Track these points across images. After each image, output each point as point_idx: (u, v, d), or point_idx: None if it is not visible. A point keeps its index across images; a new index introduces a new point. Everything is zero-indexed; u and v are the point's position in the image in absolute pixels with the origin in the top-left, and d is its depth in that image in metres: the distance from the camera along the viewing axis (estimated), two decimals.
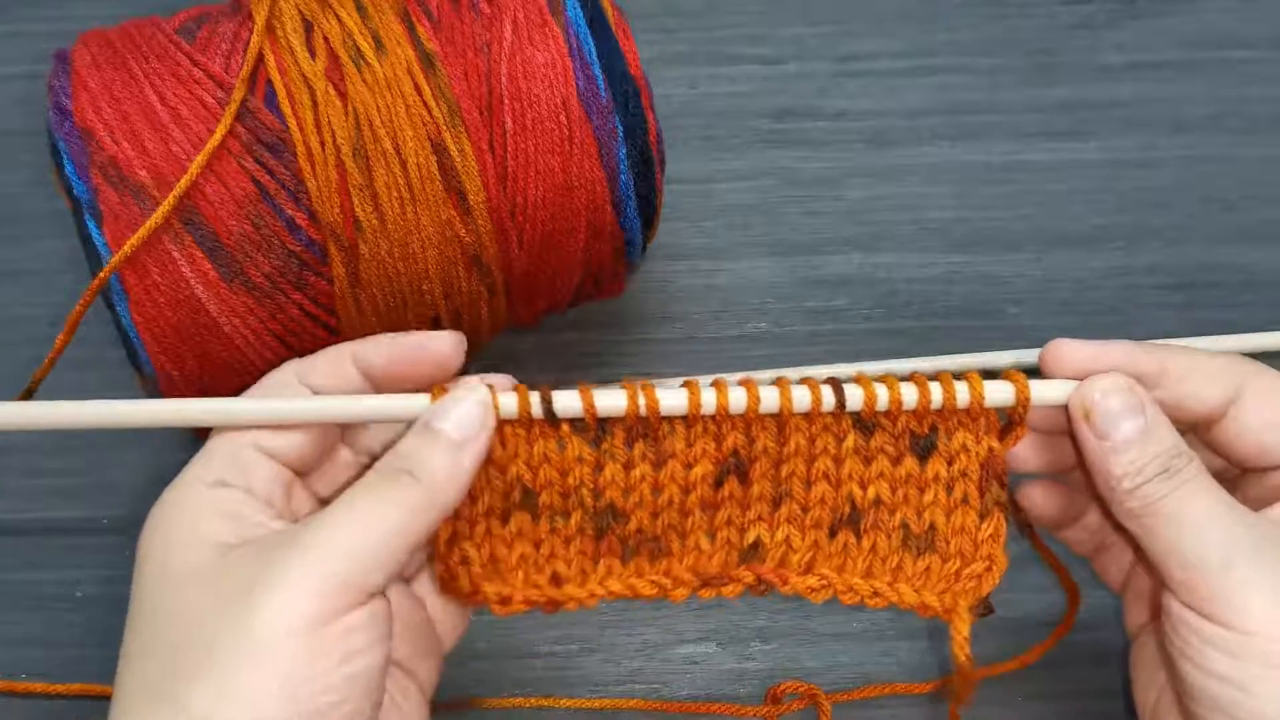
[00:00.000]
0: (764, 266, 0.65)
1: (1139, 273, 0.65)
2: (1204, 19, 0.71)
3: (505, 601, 0.44)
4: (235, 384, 0.50)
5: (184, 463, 0.58)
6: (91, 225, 0.46)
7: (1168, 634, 0.43)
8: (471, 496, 0.44)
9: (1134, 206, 0.66)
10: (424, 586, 0.48)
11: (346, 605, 0.38)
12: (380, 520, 0.40)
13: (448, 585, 0.44)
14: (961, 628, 0.44)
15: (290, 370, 0.44)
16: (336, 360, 0.44)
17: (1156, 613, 0.48)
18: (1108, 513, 0.49)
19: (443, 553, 0.44)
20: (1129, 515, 0.43)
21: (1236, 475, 0.47)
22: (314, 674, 0.37)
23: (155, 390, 0.50)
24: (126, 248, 0.45)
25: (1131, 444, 0.43)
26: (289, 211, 0.47)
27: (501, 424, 0.44)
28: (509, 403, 0.44)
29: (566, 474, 0.45)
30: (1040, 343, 0.61)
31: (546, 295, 0.54)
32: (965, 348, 0.61)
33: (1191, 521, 0.42)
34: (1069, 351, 0.45)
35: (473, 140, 0.48)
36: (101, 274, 0.46)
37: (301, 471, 0.44)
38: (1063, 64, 0.70)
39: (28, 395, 0.52)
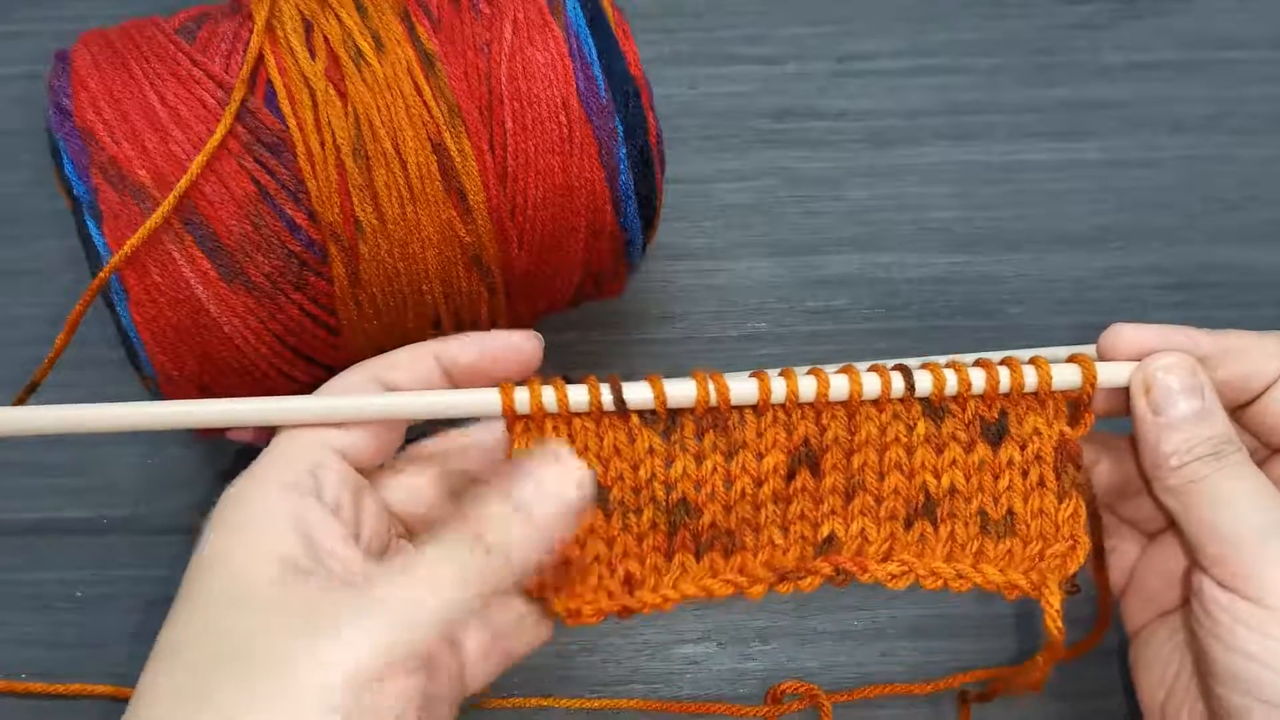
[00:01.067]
0: (764, 266, 0.65)
1: (1139, 273, 0.65)
2: (1204, 19, 0.71)
3: (575, 615, 0.44)
4: (235, 384, 0.50)
5: (184, 462, 0.58)
6: (91, 225, 0.46)
7: (1197, 614, 0.43)
8: None
9: (1134, 206, 0.66)
10: (466, 636, 0.45)
11: (405, 671, 0.37)
12: (459, 593, 0.38)
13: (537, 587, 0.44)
14: (1053, 600, 0.44)
15: (367, 370, 0.43)
16: (418, 358, 0.44)
17: (1159, 611, 0.48)
18: (1112, 508, 0.49)
19: None
20: (1170, 491, 0.44)
21: (1265, 457, 0.47)
22: None
23: (155, 390, 0.50)
24: (126, 248, 0.45)
25: (1185, 423, 0.44)
26: (289, 211, 0.47)
27: (571, 417, 0.44)
28: (579, 395, 0.44)
29: (638, 467, 0.45)
30: (1041, 342, 0.62)
31: (546, 295, 0.54)
32: (966, 347, 0.61)
33: (1230, 499, 0.43)
34: (1130, 335, 0.46)
35: (473, 140, 0.48)
36: (101, 274, 0.46)
37: (369, 472, 0.44)
38: (1063, 64, 0.70)
39: (28, 395, 0.52)
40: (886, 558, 0.45)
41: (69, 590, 0.57)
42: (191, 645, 0.38)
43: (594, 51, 0.49)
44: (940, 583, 0.45)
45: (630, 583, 0.45)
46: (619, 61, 0.50)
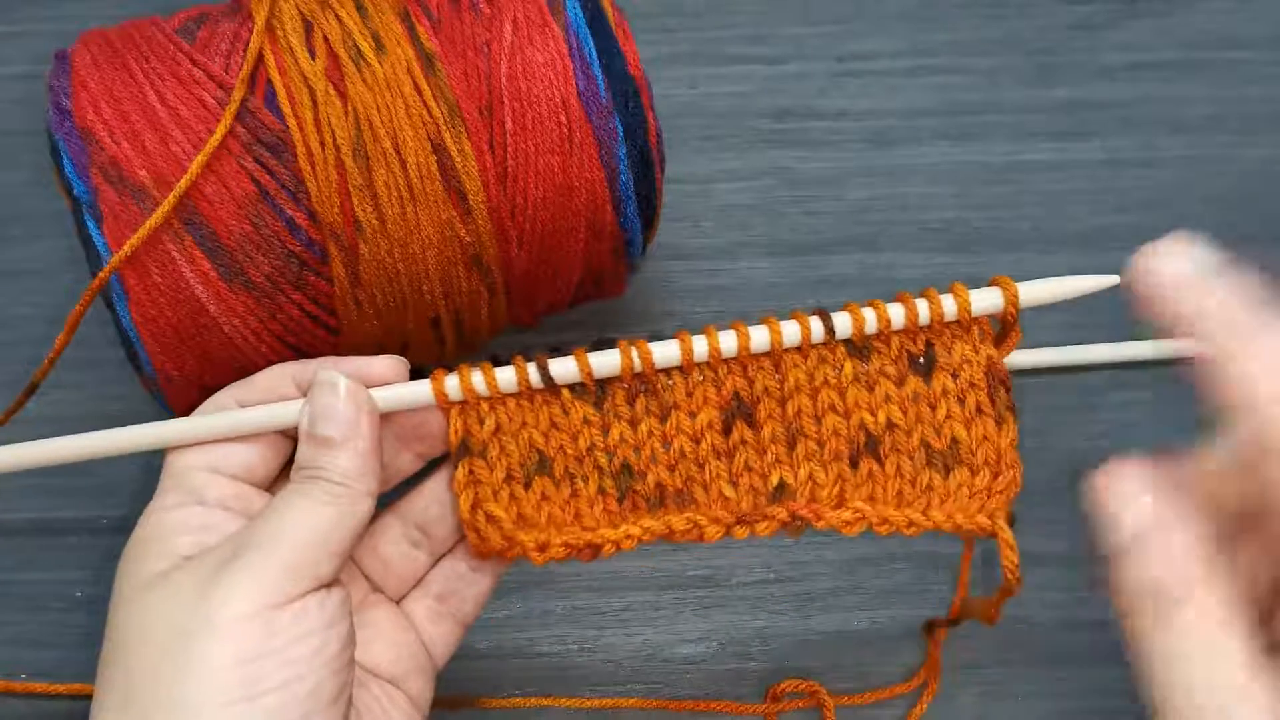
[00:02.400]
0: (764, 266, 0.65)
1: None
2: (1204, 19, 0.71)
3: (543, 548, 0.45)
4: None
5: None
6: (91, 225, 0.46)
7: None
8: (489, 465, 0.45)
9: (1134, 206, 0.66)
10: (413, 604, 0.49)
11: (299, 590, 0.40)
12: (320, 516, 0.42)
13: (481, 548, 0.46)
14: (1007, 537, 0.45)
15: (229, 393, 0.47)
16: (276, 380, 0.46)
17: None
18: None
19: (469, 519, 0.45)
20: None
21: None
22: (271, 650, 0.39)
23: (156, 390, 0.50)
24: (126, 248, 0.45)
25: None
26: (289, 211, 0.47)
27: (504, 396, 0.45)
28: (507, 376, 0.45)
29: (576, 437, 0.46)
30: (1040, 342, 0.62)
31: (546, 295, 0.54)
32: None
33: None
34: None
35: (473, 140, 0.48)
36: (101, 274, 0.46)
37: (263, 485, 0.46)
38: (1063, 64, 0.70)
39: (27, 395, 0.52)
40: (840, 503, 0.46)
41: (68, 590, 0.57)
42: (118, 649, 0.42)
43: (594, 51, 0.49)
44: (892, 529, 0.45)
45: (589, 531, 0.46)
46: (619, 61, 0.50)
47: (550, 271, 0.52)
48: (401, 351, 0.50)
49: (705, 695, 0.56)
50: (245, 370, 0.49)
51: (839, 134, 0.68)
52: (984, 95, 0.69)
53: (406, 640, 0.48)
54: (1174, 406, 0.63)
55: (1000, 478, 0.46)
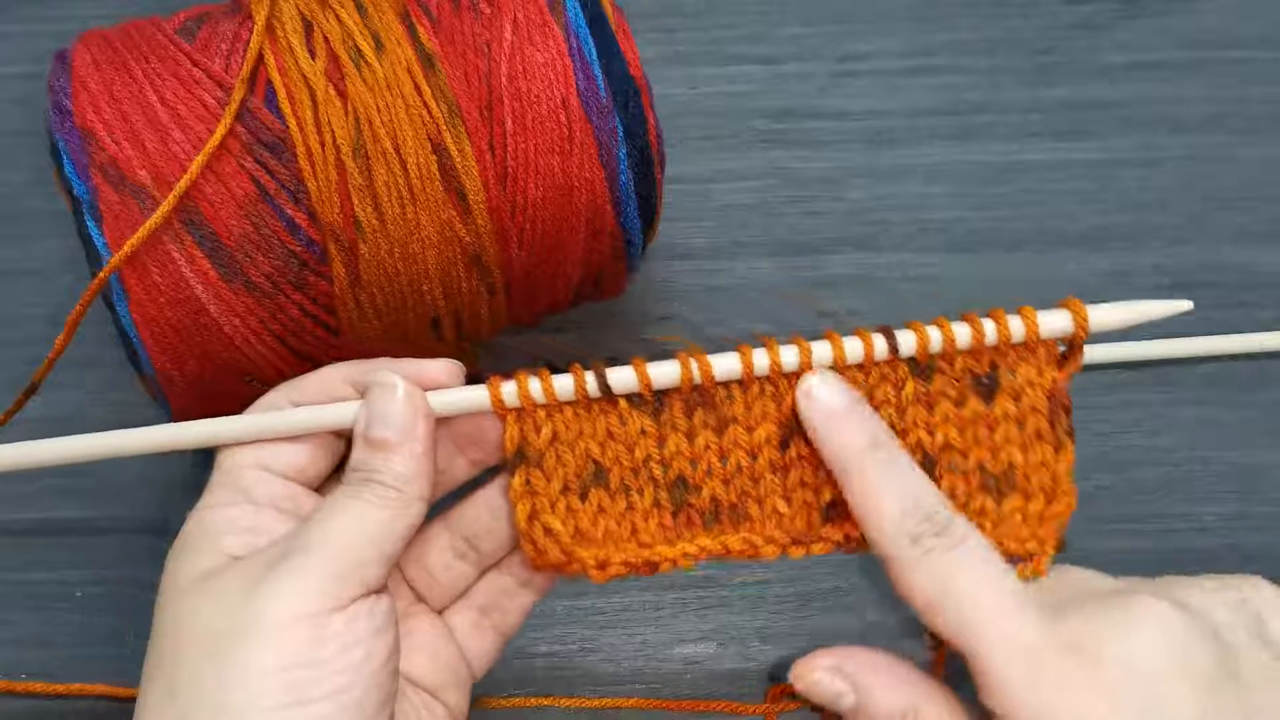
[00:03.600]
0: (764, 266, 0.64)
1: (1139, 273, 0.65)
2: (1204, 19, 0.71)
3: (603, 566, 0.45)
4: (235, 384, 0.50)
5: (185, 462, 0.58)
6: (91, 225, 0.46)
7: None
8: (545, 475, 0.45)
9: (1134, 206, 0.66)
10: (455, 616, 0.49)
11: (348, 597, 0.40)
12: (371, 520, 0.41)
13: (538, 560, 0.45)
14: (1042, 570, 0.45)
15: (280, 393, 0.46)
16: (329, 380, 0.45)
17: None
18: None
19: (525, 530, 0.45)
20: None
21: None
22: (316, 660, 0.38)
23: (156, 390, 0.50)
24: (126, 248, 0.45)
25: None
26: (289, 211, 0.47)
27: (561, 405, 0.45)
28: (565, 384, 0.45)
29: (633, 449, 0.46)
30: None
31: (546, 295, 0.54)
32: None
33: None
34: None
35: (473, 140, 0.48)
36: (101, 274, 0.46)
37: (314, 485, 0.46)
38: (1063, 64, 0.70)
39: (27, 396, 0.52)
40: None
41: (68, 590, 0.57)
42: (163, 651, 0.41)
43: (594, 51, 0.49)
44: None
45: (646, 548, 0.46)
46: (619, 61, 0.50)
47: (550, 271, 0.52)
48: (401, 352, 0.50)
49: (705, 695, 0.56)
50: (245, 370, 0.49)
51: (839, 134, 0.68)
52: (984, 95, 0.69)
53: (447, 651, 0.47)
54: (1174, 407, 0.63)
55: (1054, 504, 0.45)
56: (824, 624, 0.57)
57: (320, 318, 0.49)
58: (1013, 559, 0.45)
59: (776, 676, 0.56)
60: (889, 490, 0.43)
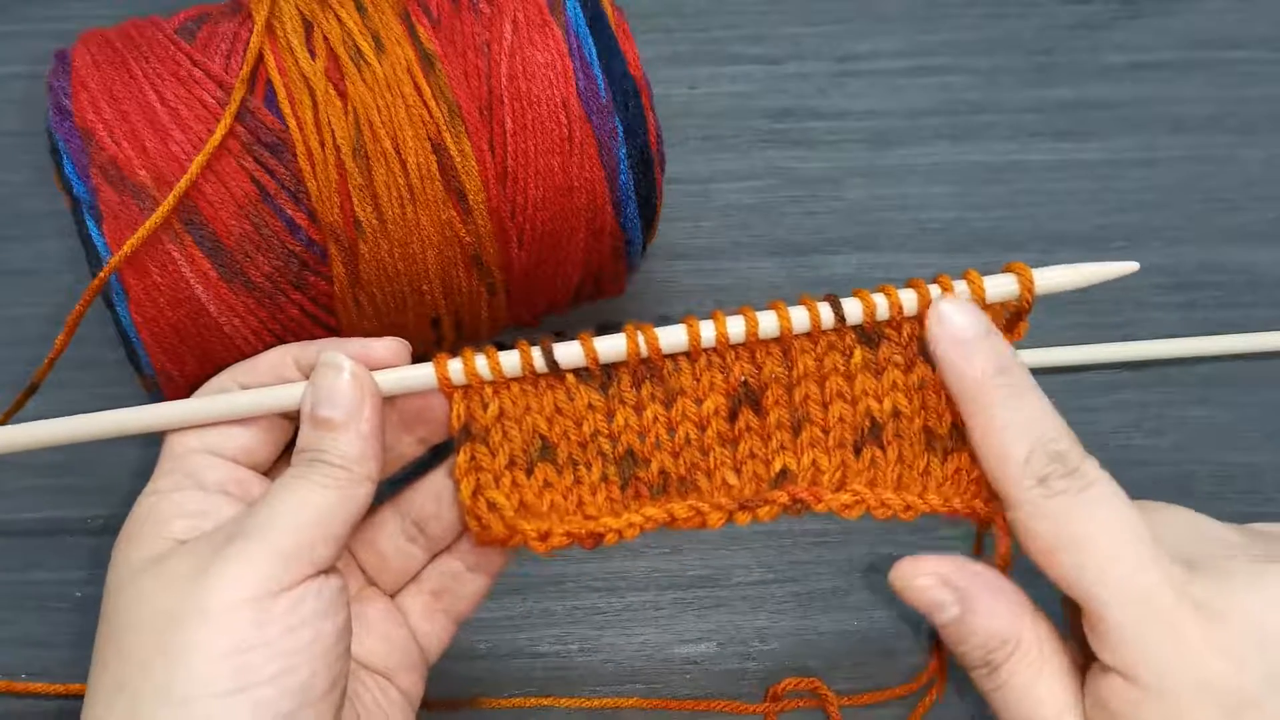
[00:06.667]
0: (764, 266, 0.65)
1: (1139, 273, 0.64)
2: (1204, 19, 0.71)
3: (545, 537, 0.44)
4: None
5: None
6: (91, 225, 0.46)
7: None
8: (491, 451, 0.45)
9: (1134, 206, 0.66)
10: (407, 600, 0.49)
11: (295, 577, 0.40)
12: (319, 500, 0.41)
13: (482, 535, 0.45)
14: (1001, 523, 0.44)
15: (230, 375, 0.46)
16: (278, 362, 0.46)
17: None
18: None
19: (469, 506, 0.45)
20: None
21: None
22: (264, 640, 0.38)
23: (155, 390, 0.50)
24: (126, 248, 0.45)
25: None
26: (289, 211, 0.47)
27: (508, 381, 0.45)
28: (511, 360, 0.45)
29: (580, 423, 0.46)
30: (1042, 342, 0.62)
31: (546, 295, 0.54)
32: None
33: None
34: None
35: (473, 140, 0.48)
36: (101, 274, 0.46)
37: (263, 469, 0.46)
38: (1063, 64, 0.70)
39: (27, 396, 0.52)
40: (840, 486, 0.45)
41: (68, 590, 0.57)
42: (111, 636, 0.41)
43: (594, 51, 0.49)
44: (890, 513, 0.45)
45: (591, 520, 0.45)
46: (619, 61, 0.50)
47: (550, 271, 0.52)
48: None
49: (705, 695, 0.56)
50: None
51: (839, 134, 0.68)
52: (984, 95, 0.69)
53: (399, 635, 0.48)
54: (1174, 407, 0.63)
55: None
56: (824, 624, 0.57)
57: (320, 318, 0.49)
58: (961, 516, 0.45)
59: (775, 676, 0.56)
60: (1015, 427, 0.42)
